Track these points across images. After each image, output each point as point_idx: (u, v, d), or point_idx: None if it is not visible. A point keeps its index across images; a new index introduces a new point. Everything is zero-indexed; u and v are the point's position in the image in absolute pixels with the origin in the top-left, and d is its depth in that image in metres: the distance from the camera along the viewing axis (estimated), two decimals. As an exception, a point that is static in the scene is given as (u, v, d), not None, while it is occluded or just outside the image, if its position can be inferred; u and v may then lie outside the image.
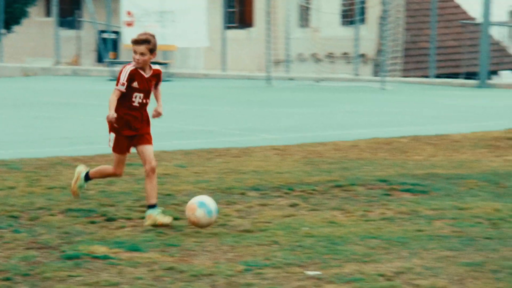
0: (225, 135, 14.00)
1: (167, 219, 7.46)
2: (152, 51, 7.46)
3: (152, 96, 7.72)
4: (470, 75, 27.45)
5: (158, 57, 28.20)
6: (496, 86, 26.06)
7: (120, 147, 7.62)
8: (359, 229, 7.36)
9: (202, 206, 7.28)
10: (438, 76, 28.07)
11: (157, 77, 7.65)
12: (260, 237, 7.10)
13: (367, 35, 31.76)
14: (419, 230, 7.36)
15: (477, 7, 27.35)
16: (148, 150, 7.56)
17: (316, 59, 32.25)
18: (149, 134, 7.64)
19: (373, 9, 32.29)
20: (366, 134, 14.00)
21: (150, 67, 7.60)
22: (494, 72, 31.38)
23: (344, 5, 32.49)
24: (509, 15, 35.31)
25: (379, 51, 29.53)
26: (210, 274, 6.10)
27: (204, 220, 7.25)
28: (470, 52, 29.97)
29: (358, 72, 29.25)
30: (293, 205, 8.44)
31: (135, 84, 7.51)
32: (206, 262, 6.43)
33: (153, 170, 7.53)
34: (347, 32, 30.99)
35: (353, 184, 9.29)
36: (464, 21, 32.52)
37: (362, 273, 6.07)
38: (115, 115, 7.47)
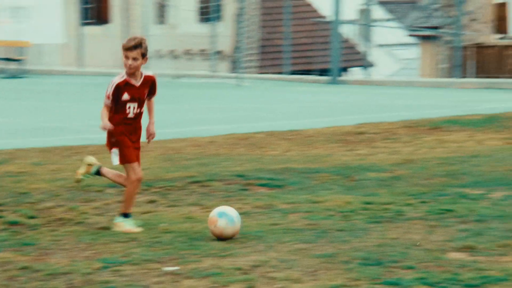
0: (82, 132, 13.85)
1: (137, 229, 7.28)
2: (144, 55, 7.16)
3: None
4: (322, 72, 28.14)
5: (12, 53, 27.54)
6: (347, 83, 26.82)
7: (130, 154, 7.26)
8: (216, 224, 7.47)
9: (222, 216, 7.03)
10: (292, 73, 28.62)
11: (150, 85, 7.29)
12: (118, 234, 7.11)
13: (224, 32, 31.99)
14: (275, 224, 7.54)
15: (328, 6, 28.03)
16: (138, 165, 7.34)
17: (174, 55, 32.25)
18: (139, 148, 7.39)
19: (229, 7, 32.57)
20: (223, 130, 14.16)
21: (141, 74, 7.27)
22: (345, 69, 32.21)
23: (200, 2, 32.63)
24: (358, 14, 36.33)
25: (236, 48, 29.83)
26: (67, 273, 6.05)
27: (228, 230, 6.99)
28: (322, 50, 30.69)
29: (215, 69, 29.46)
30: (151, 202, 8.47)
31: (125, 97, 7.20)
32: (63, 260, 6.37)
33: (139, 180, 7.35)
34: (204, 29, 31.14)
35: (210, 180, 9.41)
36: (316, 19, 33.21)
37: (219, 268, 6.18)
38: (109, 124, 7.15)
